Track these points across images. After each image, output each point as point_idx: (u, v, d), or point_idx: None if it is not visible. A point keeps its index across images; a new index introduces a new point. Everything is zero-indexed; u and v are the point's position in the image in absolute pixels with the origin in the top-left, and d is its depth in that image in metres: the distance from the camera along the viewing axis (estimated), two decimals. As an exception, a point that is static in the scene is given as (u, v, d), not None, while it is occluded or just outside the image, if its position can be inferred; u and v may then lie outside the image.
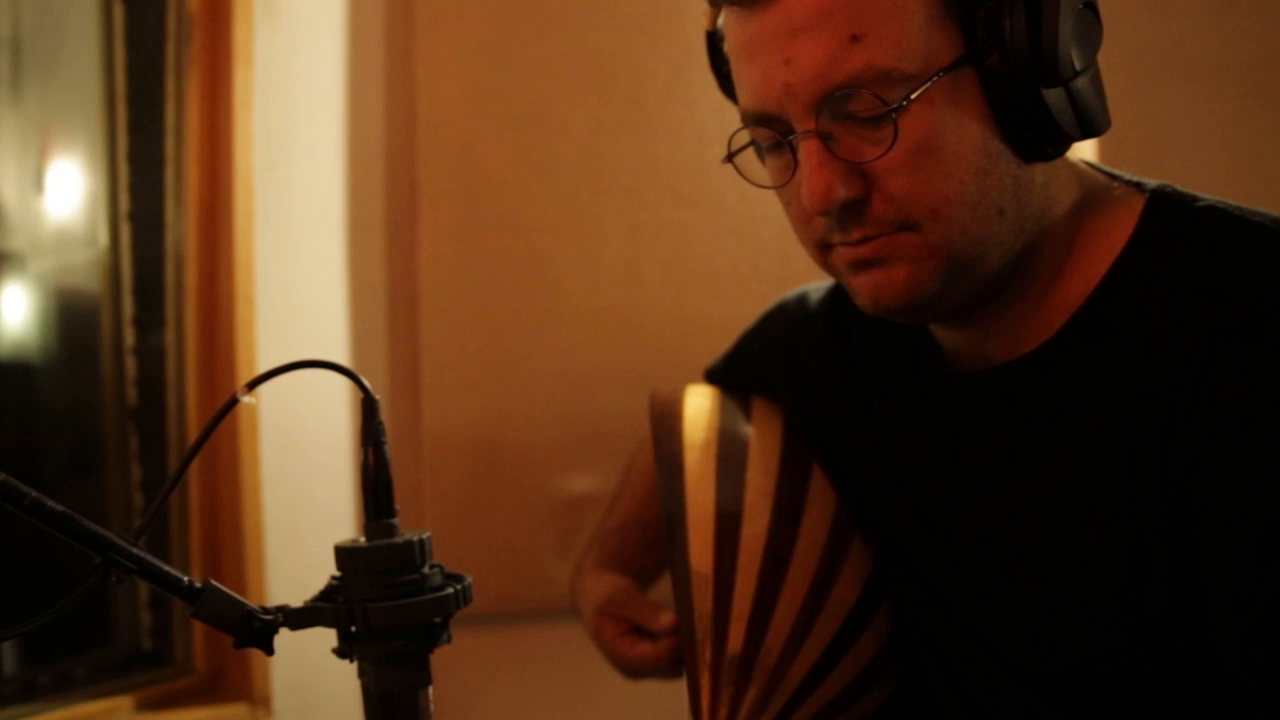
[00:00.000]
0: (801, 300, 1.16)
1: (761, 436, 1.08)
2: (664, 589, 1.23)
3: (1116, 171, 0.93)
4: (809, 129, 0.82)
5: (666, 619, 1.07)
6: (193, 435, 1.66)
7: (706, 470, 1.03)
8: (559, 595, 1.83)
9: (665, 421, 1.10)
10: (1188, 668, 0.84)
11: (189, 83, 1.66)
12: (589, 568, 1.20)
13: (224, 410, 0.70)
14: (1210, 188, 0.90)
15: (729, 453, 1.05)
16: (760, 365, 1.18)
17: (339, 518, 1.81)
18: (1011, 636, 0.92)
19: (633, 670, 1.11)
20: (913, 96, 0.79)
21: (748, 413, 1.12)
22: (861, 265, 0.86)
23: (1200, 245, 0.85)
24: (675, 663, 1.07)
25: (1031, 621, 0.90)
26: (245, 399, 0.69)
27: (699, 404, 1.13)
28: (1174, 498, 0.81)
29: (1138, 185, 0.91)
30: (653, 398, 1.15)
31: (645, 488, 1.24)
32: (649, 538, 1.22)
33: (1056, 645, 0.89)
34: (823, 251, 0.89)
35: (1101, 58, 0.86)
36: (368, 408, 0.70)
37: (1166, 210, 0.88)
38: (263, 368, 0.70)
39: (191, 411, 1.67)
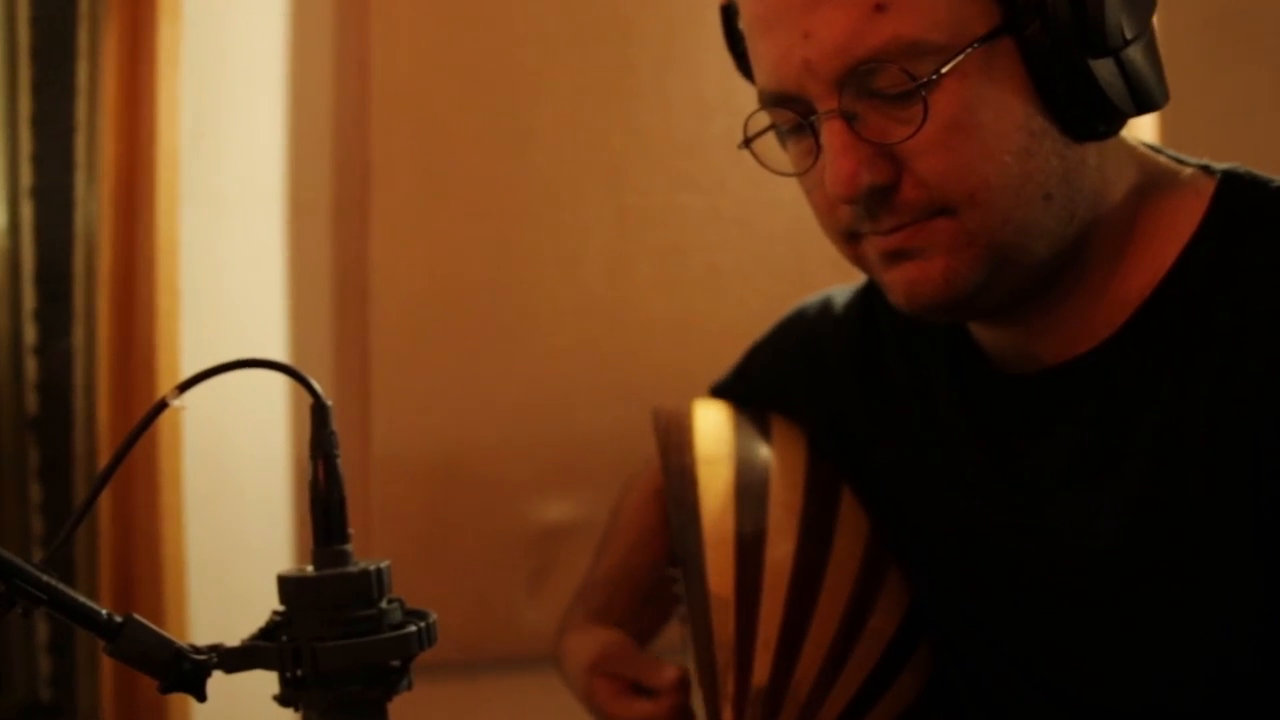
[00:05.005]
0: (825, 305, 1.18)
1: (783, 453, 1.10)
2: (665, 643, 1.24)
3: (1182, 155, 0.96)
4: (831, 109, 0.85)
5: (671, 673, 1.08)
6: (103, 449, 1.65)
7: (724, 486, 1.05)
8: (529, 641, 1.83)
9: (673, 435, 1.12)
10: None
11: (105, 36, 1.66)
12: (574, 625, 1.21)
13: (149, 417, 0.70)
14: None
15: (748, 469, 1.07)
16: (778, 380, 1.19)
17: (273, 547, 1.81)
18: (1072, 670, 0.94)
19: None
20: (944, 70, 0.82)
21: (766, 428, 1.14)
22: (894, 257, 0.89)
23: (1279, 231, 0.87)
24: None
25: (1096, 652, 0.92)
26: (175, 403, 0.69)
27: (711, 418, 1.15)
28: (1267, 506, 0.83)
29: (1206, 168, 0.93)
30: (657, 412, 1.17)
31: (636, 531, 1.25)
32: (642, 589, 1.23)
33: (1125, 679, 0.91)
34: (851, 243, 0.92)
35: (1163, 27, 0.88)
36: (318, 414, 0.70)
37: (1240, 194, 0.90)
38: (187, 370, 0.70)
39: (102, 421, 1.66)
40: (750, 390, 1.22)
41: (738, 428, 1.14)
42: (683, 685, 1.07)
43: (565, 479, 1.86)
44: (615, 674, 1.12)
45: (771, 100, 0.89)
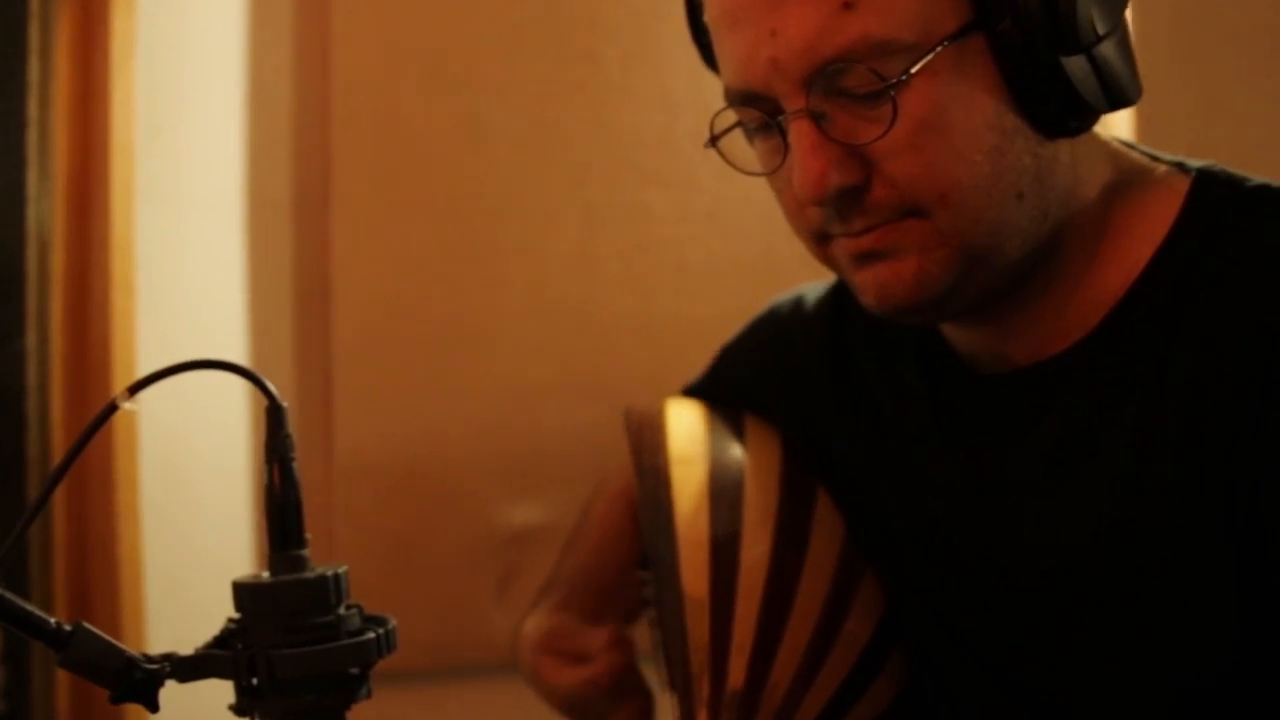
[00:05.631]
0: (796, 304, 1.18)
1: (758, 454, 1.11)
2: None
3: (1157, 152, 0.96)
4: (799, 109, 0.85)
5: (600, 635, 1.08)
6: (57, 454, 1.64)
7: (698, 487, 1.05)
8: (498, 648, 1.83)
9: (646, 434, 1.12)
10: (1262, 709, 0.86)
11: (57, 30, 1.65)
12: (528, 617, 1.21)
13: (100, 419, 0.70)
14: (1262, 168, 0.93)
15: (722, 469, 1.08)
16: (749, 381, 1.20)
17: (233, 553, 1.80)
18: (1045, 675, 0.94)
19: (569, 703, 1.11)
20: (913, 70, 0.82)
21: (740, 429, 1.14)
22: (865, 259, 0.89)
23: (1255, 229, 0.88)
24: (616, 688, 1.08)
25: (1068, 658, 0.92)
26: (126, 405, 0.69)
27: (684, 417, 1.15)
28: (1241, 511, 0.84)
29: (1180, 166, 0.94)
30: (628, 412, 1.17)
31: (602, 532, 1.25)
32: (605, 590, 1.23)
33: (1099, 684, 0.91)
34: (821, 244, 0.92)
35: (1137, 20, 0.88)
36: (273, 416, 0.69)
37: (1215, 191, 0.91)
38: (144, 371, 0.70)
39: (56, 424, 1.65)
40: (722, 391, 1.22)
41: (711, 428, 1.14)
42: (617, 644, 1.08)
43: (533, 481, 1.86)
44: (559, 650, 1.12)
45: (738, 98, 0.89)
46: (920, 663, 1.04)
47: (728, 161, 0.92)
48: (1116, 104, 0.87)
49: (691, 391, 1.27)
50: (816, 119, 0.84)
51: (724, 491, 1.06)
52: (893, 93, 0.82)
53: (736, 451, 1.11)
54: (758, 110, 0.88)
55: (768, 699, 0.95)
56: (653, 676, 1.06)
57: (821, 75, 0.83)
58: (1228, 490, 0.84)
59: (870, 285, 0.89)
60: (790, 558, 1.02)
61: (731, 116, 0.91)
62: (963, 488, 0.99)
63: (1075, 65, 0.83)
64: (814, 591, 1.01)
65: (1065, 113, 0.85)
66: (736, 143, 0.93)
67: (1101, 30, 0.84)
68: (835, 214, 0.87)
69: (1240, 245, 0.88)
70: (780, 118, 0.86)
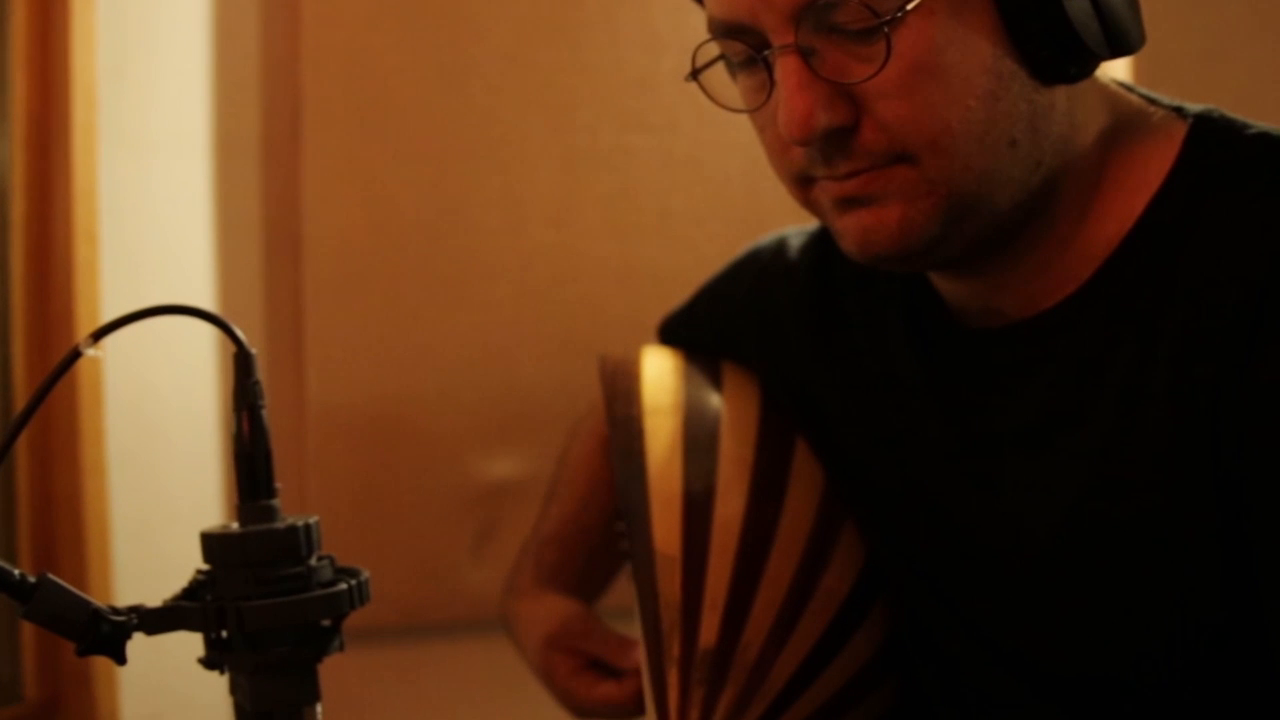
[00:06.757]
0: (779, 248, 1.17)
1: (735, 404, 1.11)
2: (613, 601, 1.25)
3: (1154, 95, 0.96)
4: (787, 43, 0.83)
5: (636, 656, 1.09)
6: (20, 404, 1.64)
7: (672, 439, 1.05)
8: (473, 604, 1.84)
9: (619, 383, 1.12)
10: (1245, 676, 0.87)
11: (15, -34, 1.64)
12: (526, 587, 1.22)
13: (62, 367, 0.69)
14: (1265, 114, 0.92)
15: (697, 420, 1.07)
16: (727, 324, 1.19)
17: (202, 506, 1.80)
18: (1026, 634, 0.95)
19: (589, 712, 1.13)
20: (909, 7, 0.81)
21: (717, 377, 1.14)
22: (848, 203, 0.88)
23: (1252, 179, 0.87)
24: (638, 703, 1.09)
25: (1051, 616, 0.93)
26: (89, 352, 0.69)
27: (659, 365, 1.15)
28: (1228, 470, 0.84)
29: (1178, 111, 0.93)
30: (602, 360, 1.16)
31: (585, 483, 1.25)
32: (592, 544, 1.24)
33: (1080, 643, 0.92)
34: (803, 187, 0.91)
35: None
36: (241, 363, 0.69)
37: (1213, 139, 0.90)
38: (109, 320, 0.70)
39: (18, 375, 1.65)
40: (698, 334, 1.22)
41: (687, 377, 1.14)
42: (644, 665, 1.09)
43: (509, 434, 1.87)
44: (574, 649, 1.13)
45: (722, 30, 0.87)
46: (901, 617, 1.05)
47: (709, 97, 0.91)
48: (1119, 50, 0.85)
49: (665, 328, 1.26)
50: (805, 55, 0.83)
51: (698, 444, 1.05)
52: (887, 29, 0.81)
53: (713, 402, 1.11)
54: (743, 44, 0.86)
55: (741, 657, 0.96)
56: (629, 630, 1.07)
57: (812, 9, 0.82)
58: (1216, 447, 0.84)
59: (852, 231, 0.89)
60: (766, 512, 1.02)
61: (714, 49, 0.90)
62: (948, 443, 0.99)
63: (1077, 8, 0.82)
64: (790, 547, 1.01)
65: (1065, 59, 0.84)
66: (719, 77, 0.91)
67: None
68: (820, 156, 0.86)
69: (1236, 195, 0.87)
70: (766, 53, 0.84)
